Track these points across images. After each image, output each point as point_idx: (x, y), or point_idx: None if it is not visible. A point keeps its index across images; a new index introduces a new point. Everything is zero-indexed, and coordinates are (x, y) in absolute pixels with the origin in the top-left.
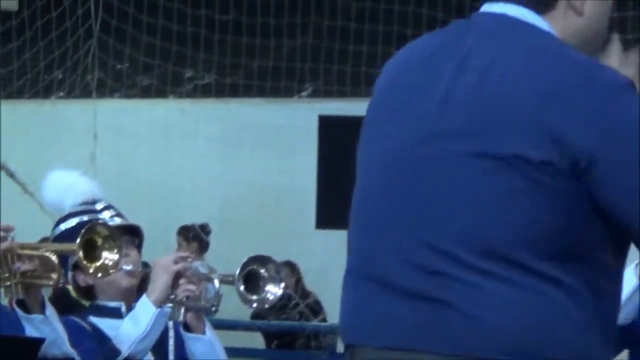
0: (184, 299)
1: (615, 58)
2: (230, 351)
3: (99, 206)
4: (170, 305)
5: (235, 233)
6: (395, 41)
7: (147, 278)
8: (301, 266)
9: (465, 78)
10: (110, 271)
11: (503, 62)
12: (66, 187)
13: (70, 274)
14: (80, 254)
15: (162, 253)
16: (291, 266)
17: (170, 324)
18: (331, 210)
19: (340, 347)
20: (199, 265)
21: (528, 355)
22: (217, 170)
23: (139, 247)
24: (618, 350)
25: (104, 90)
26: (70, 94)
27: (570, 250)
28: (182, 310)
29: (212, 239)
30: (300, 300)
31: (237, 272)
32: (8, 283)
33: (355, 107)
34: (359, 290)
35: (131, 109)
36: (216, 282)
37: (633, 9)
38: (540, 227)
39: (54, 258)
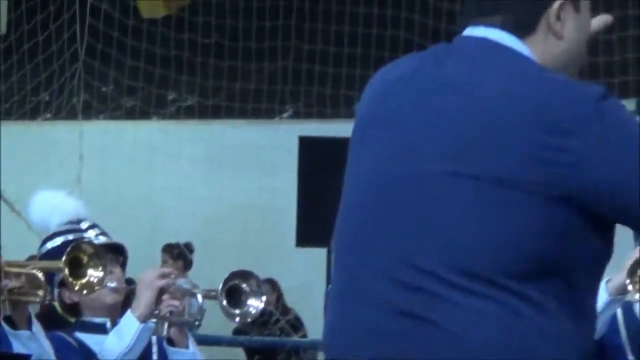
0: (168, 314)
1: None
2: None
3: (84, 225)
4: (154, 320)
5: (218, 251)
6: (373, 64)
7: (131, 294)
8: (282, 283)
9: (446, 99)
10: (96, 288)
11: (484, 85)
12: (52, 207)
13: (56, 291)
14: (66, 271)
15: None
16: (272, 283)
17: (154, 338)
18: (311, 228)
19: None
20: (183, 282)
21: None
22: (200, 190)
23: (123, 265)
24: None
25: (89, 112)
26: (57, 115)
27: (547, 270)
28: (166, 325)
29: (195, 257)
30: (281, 316)
31: (220, 287)
32: None
33: (334, 128)
34: (343, 304)
35: (116, 131)
36: (199, 297)
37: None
38: (518, 248)
39: (40, 275)
